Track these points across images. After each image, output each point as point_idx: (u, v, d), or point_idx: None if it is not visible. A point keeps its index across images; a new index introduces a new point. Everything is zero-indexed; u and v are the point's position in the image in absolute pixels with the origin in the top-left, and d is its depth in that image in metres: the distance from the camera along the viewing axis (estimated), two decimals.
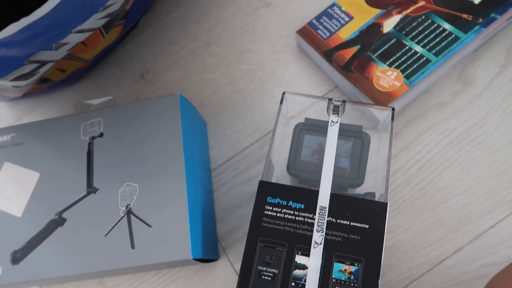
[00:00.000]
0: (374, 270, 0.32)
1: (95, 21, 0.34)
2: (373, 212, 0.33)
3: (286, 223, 0.34)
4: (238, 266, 0.43)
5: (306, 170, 0.37)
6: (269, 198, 0.35)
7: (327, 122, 0.37)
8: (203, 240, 0.38)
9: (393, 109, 0.38)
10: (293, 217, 0.34)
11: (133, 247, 0.35)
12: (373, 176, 0.42)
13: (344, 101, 0.38)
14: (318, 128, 0.39)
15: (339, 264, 0.32)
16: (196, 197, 0.39)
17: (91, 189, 0.38)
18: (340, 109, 0.38)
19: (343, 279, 0.32)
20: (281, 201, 0.34)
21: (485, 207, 0.41)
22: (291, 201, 0.34)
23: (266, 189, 0.35)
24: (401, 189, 0.43)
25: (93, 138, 0.40)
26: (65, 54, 0.36)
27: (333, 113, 0.37)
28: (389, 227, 0.42)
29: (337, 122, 0.37)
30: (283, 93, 0.39)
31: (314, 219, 0.33)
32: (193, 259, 0.34)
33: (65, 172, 0.39)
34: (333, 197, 0.34)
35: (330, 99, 0.38)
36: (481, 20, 0.43)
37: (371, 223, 0.33)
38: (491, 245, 0.40)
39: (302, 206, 0.34)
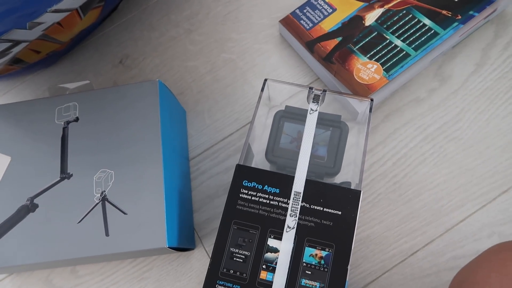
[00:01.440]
0: (344, 256, 0.32)
1: (72, 1, 0.33)
2: (346, 199, 0.34)
3: (260, 207, 0.34)
4: None
5: (284, 157, 0.38)
6: (245, 182, 0.35)
7: (307, 110, 0.37)
8: (179, 228, 0.38)
9: (371, 100, 0.38)
10: (268, 201, 0.34)
11: (107, 234, 0.35)
12: (352, 168, 0.42)
13: (324, 90, 0.38)
14: (298, 116, 0.39)
15: (310, 248, 0.33)
16: (173, 185, 0.38)
17: (65, 174, 0.37)
18: (320, 98, 0.38)
19: (313, 263, 0.32)
20: (256, 185, 0.35)
21: (456, 201, 0.42)
22: (266, 185, 0.35)
23: (243, 172, 0.35)
24: (377, 182, 0.43)
25: (68, 122, 0.39)
26: (39, 34, 0.35)
27: (313, 102, 0.38)
28: (364, 219, 0.42)
29: (316, 111, 0.37)
30: (265, 80, 0.39)
31: (288, 204, 0.34)
32: (168, 247, 0.34)
33: (38, 157, 0.38)
34: (308, 183, 0.34)
35: (311, 88, 0.38)
36: (459, 17, 0.44)
37: (343, 210, 0.33)
38: (461, 238, 0.41)
39: (277, 190, 0.34)
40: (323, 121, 0.38)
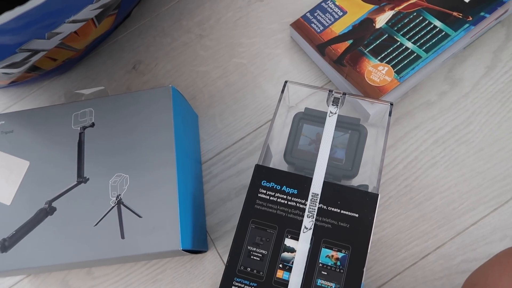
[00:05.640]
0: (360, 258, 0.33)
1: (89, 11, 0.34)
2: (364, 202, 0.34)
3: (278, 207, 0.35)
4: (226, 258, 0.44)
5: (302, 159, 0.38)
6: (264, 182, 0.36)
7: (326, 113, 0.38)
8: (192, 231, 0.38)
9: (391, 104, 0.38)
10: (286, 202, 0.35)
11: (123, 237, 0.36)
12: (368, 169, 0.42)
13: (344, 94, 0.38)
14: (317, 118, 0.39)
15: (327, 249, 0.33)
16: (186, 188, 0.39)
17: (81, 178, 0.38)
18: (340, 101, 0.38)
19: (329, 264, 0.33)
20: (275, 185, 0.35)
21: (468, 204, 0.42)
22: (284, 186, 0.35)
23: (261, 173, 0.36)
24: (388, 185, 0.44)
25: (84, 128, 0.40)
26: (57, 43, 0.36)
27: (332, 104, 0.38)
28: (375, 222, 0.43)
29: (335, 113, 0.38)
30: (285, 82, 0.40)
31: (305, 205, 0.34)
32: (182, 250, 0.35)
33: (55, 161, 0.39)
34: (326, 185, 0.35)
35: (330, 91, 0.39)
36: (470, 18, 0.44)
37: (361, 213, 0.34)
38: (472, 241, 0.41)
39: (295, 191, 0.35)
40: (342, 123, 0.38)
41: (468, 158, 0.43)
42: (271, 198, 0.35)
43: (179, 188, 0.37)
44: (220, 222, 0.45)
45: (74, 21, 0.33)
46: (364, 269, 0.32)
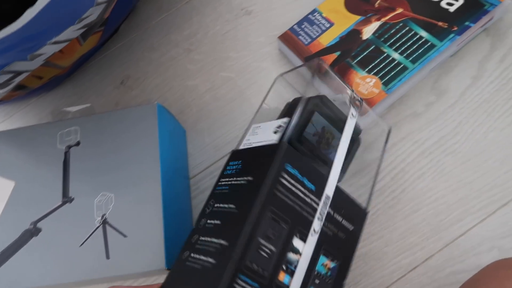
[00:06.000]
0: (345, 271, 0.32)
1: (72, 32, 0.34)
2: (358, 215, 0.34)
3: (296, 201, 0.31)
4: None
5: (304, 148, 0.35)
6: (288, 166, 0.31)
7: (340, 111, 0.36)
8: (178, 249, 0.38)
9: (389, 131, 0.39)
10: (304, 197, 0.32)
11: (108, 257, 0.36)
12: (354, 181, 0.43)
13: (361, 99, 0.37)
14: (331, 112, 0.37)
15: (324, 257, 0.32)
16: (173, 205, 0.39)
17: (66, 198, 0.38)
18: (362, 104, 0.37)
19: (322, 273, 0.32)
20: (298, 175, 0.32)
21: (455, 215, 0.42)
22: (305, 178, 0.32)
23: (290, 155, 0.31)
24: (375, 198, 0.43)
25: (69, 147, 0.40)
26: (41, 63, 0.36)
27: (353, 107, 0.36)
28: (363, 235, 0.43)
29: (355, 117, 0.36)
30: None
31: (318, 205, 0.32)
32: (167, 269, 0.35)
33: (40, 181, 0.39)
34: (336, 189, 0.33)
35: (352, 90, 0.37)
36: (456, 28, 0.44)
37: (355, 226, 0.33)
38: (461, 253, 0.41)
39: (313, 188, 0.32)
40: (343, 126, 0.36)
41: (455, 169, 0.43)
42: (292, 188, 0.31)
43: (164, 206, 0.37)
44: None
45: (56, 42, 0.33)
46: (345, 282, 0.32)
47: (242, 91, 0.50)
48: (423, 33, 0.45)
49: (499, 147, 0.43)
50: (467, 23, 0.44)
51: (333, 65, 0.46)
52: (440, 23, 0.45)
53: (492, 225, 0.41)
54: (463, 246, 0.41)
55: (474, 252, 0.41)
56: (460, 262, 0.40)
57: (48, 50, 0.34)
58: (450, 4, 0.46)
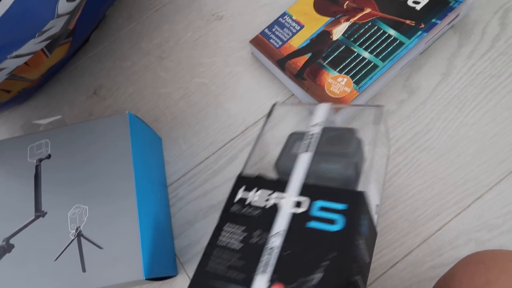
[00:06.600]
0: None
1: (34, 45, 0.34)
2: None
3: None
4: None
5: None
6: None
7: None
8: (157, 258, 0.38)
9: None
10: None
11: (84, 270, 0.35)
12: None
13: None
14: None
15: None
16: (149, 214, 0.38)
17: (39, 212, 0.37)
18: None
19: None
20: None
21: (432, 210, 0.42)
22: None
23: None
24: None
25: (40, 160, 0.39)
26: (5, 77, 0.35)
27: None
28: None
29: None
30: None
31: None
32: (146, 279, 0.34)
33: (12, 196, 0.38)
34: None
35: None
36: (423, 26, 0.45)
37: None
38: (439, 247, 0.41)
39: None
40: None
41: (430, 164, 0.44)
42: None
43: (140, 216, 0.36)
44: (189, 245, 0.44)
45: (18, 56, 0.33)
46: None
47: (216, 97, 0.50)
48: (392, 32, 0.46)
49: (471, 142, 0.44)
50: (433, 20, 0.45)
51: (304, 66, 0.46)
52: (407, 21, 0.46)
53: (467, 219, 0.42)
54: (441, 240, 0.41)
55: (452, 246, 0.41)
56: (438, 256, 0.41)
57: (10, 64, 0.33)
58: (416, 3, 0.47)
